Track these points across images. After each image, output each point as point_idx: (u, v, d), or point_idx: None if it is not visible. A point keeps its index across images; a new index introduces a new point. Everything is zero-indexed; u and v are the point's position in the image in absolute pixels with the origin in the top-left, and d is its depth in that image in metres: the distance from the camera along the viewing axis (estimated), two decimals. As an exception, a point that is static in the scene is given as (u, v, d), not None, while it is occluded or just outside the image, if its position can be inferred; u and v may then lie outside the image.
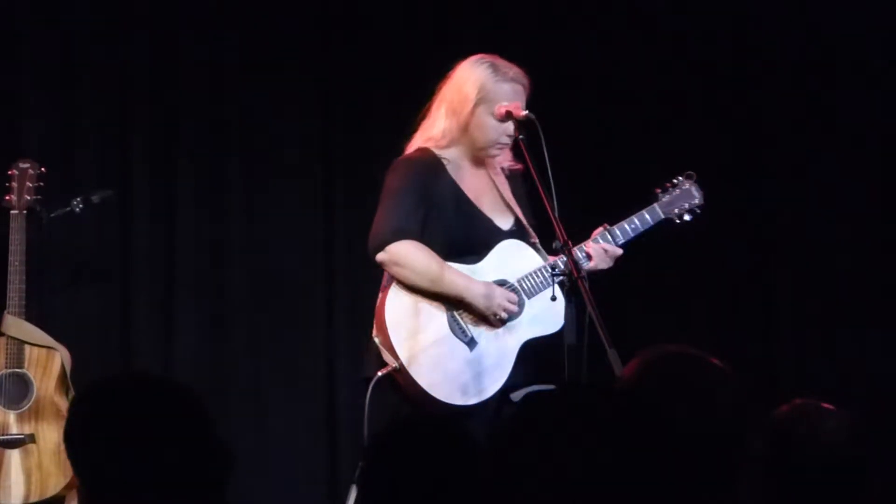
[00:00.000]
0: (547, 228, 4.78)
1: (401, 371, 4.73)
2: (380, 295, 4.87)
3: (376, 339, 4.80)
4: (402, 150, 4.97)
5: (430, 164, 4.88)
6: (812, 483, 3.05)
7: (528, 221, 4.94)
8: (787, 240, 6.58)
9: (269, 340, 6.47)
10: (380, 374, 4.75)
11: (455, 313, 4.80)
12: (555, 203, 4.61)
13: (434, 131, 4.90)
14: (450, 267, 4.79)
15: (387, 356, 4.76)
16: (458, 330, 4.80)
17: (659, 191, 5.09)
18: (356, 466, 4.85)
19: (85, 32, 6.38)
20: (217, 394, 6.23)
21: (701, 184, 5.14)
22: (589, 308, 4.43)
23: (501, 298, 4.78)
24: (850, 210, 6.47)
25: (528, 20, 6.49)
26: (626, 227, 4.96)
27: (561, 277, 4.68)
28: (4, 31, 6.31)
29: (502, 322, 4.81)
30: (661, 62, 6.52)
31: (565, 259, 4.65)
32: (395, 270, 4.79)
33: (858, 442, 3.11)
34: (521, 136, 4.73)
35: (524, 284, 4.85)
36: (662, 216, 5.05)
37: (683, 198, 5.11)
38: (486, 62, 4.87)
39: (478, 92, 4.81)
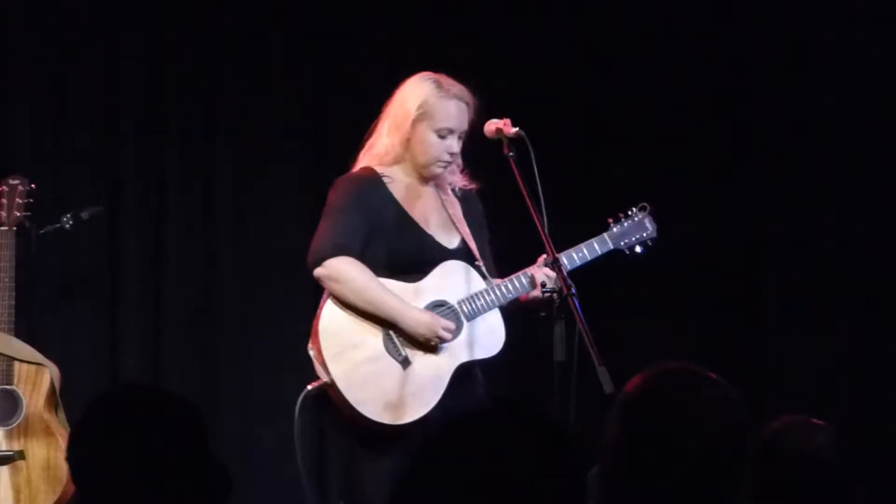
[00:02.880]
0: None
1: (332, 386, 4.71)
2: (318, 309, 4.84)
3: (311, 352, 4.77)
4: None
5: (372, 182, 4.84)
6: (800, 497, 3.07)
7: (477, 243, 4.89)
8: (772, 252, 6.61)
9: (257, 356, 6.47)
10: (309, 387, 4.74)
11: (391, 332, 4.75)
12: (545, 220, 4.61)
13: (378, 148, 4.88)
14: (387, 288, 4.75)
15: (319, 370, 4.74)
16: (392, 349, 4.75)
17: (611, 221, 5.00)
18: (344, 482, 4.87)
19: (75, 49, 6.40)
20: (204, 410, 6.21)
21: (655, 216, 5.04)
22: (579, 325, 4.42)
23: (436, 326, 4.73)
24: (839, 220, 6.51)
25: (509, 35, 6.52)
26: (574, 255, 4.88)
27: (552, 292, 4.66)
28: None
29: (437, 346, 4.76)
30: (637, 77, 6.55)
31: (555, 276, 4.63)
32: (332, 286, 4.77)
33: (846, 457, 3.13)
34: (510, 154, 4.72)
35: (464, 307, 4.79)
36: (612, 247, 4.95)
37: (635, 230, 5.00)
38: (430, 79, 4.84)
39: (419, 107, 4.79)
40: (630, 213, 5.03)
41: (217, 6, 6.53)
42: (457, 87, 4.83)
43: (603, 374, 4.28)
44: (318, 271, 4.79)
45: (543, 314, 4.73)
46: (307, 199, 6.55)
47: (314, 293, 6.48)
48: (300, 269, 6.51)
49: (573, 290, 4.54)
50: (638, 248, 5.01)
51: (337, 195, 4.86)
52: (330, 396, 4.74)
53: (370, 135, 4.92)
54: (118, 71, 6.43)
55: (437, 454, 2.30)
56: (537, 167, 4.65)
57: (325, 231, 4.81)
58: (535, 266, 4.83)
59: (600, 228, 5.00)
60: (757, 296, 6.63)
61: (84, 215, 5.97)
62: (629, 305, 6.49)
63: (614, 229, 4.99)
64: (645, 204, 5.04)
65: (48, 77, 6.36)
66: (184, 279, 6.46)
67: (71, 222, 5.93)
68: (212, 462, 2.67)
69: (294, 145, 6.58)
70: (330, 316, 4.78)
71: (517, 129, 4.75)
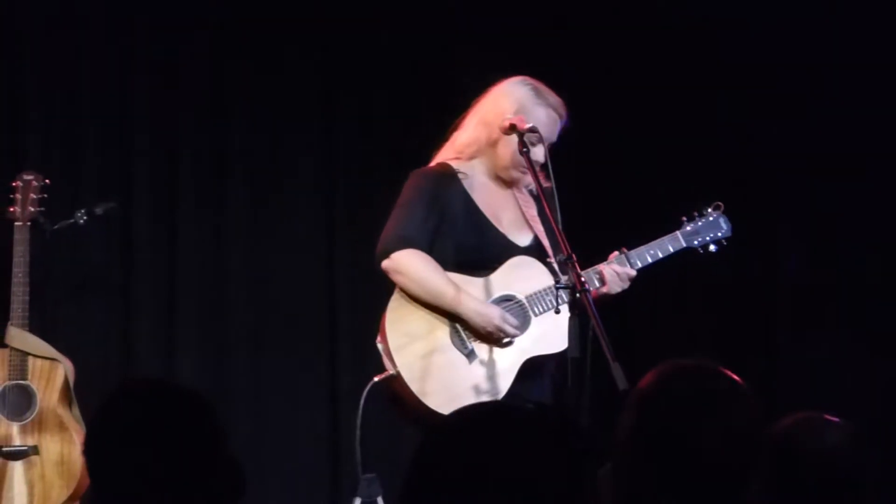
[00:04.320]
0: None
1: (397, 377, 4.71)
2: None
3: (379, 346, 4.78)
4: (413, 165, 4.96)
5: (445, 177, 4.85)
6: (814, 494, 3.06)
7: (550, 241, 4.85)
8: (788, 251, 6.61)
9: (271, 353, 6.48)
10: (376, 379, 4.73)
11: (458, 325, 4.76)
12: (559, 216, 4.60)
13: (461, 140, 4.88)
14: (451, 280, 4.75)
15: (387, 362, 4.74)
16: (458, 341, 4.75)
17: (684, 219, 5.00)
18: (358, 480, 4.86)
19: (88, 45, 6.41)
20: (218, 406, 6.21)
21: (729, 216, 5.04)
22: (593, 321, 4.41)
23: (498, 320, 4.73)
24: (854, 224, 6.49)
25: (541, 36, 6.50)
26: (646, 254, 4.89)
27: (565, 289, 4.64)
28: (8, 44, 6.33)
29: (501, 341, 4.76)
30: (681, 82, 6.53)
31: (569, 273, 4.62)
32: (397, 279, 4.77)
33: (861, 453, 3.12)
34: (525, 150, 4.71)
35: (532, 301, 4.79)
36: (684, 245, 4.96)
37: (709, 228, 5.01)
38: (530, 84, 4.84)
39: (516, 110, 4.77)
40: (705, 211, 5.02)
41: (229, 7, 6.54)
42: (553, 97, 4.83)
43: (617, 370, 4.27)
44: (384, 264, 4.79)
45: (557, 310, 4.73)
46: (321, 193, 6.56)
47: (328, 287, 6.52)
48: (316, 264, 6.56)
49: (587, 287, 4.53)
50: (712, 247, 5.00)
51: (408, 189, 4.87)
52: (395, 389, 4.73)
53: (455, 129, 4.92)
54: (131, 67, 6.44)
55: (436, 453, 2.30)
56: (559, 166, 4.65)
57: (392, 224, 4.82)
58: (604, 263, 4.83)
59: (627, 234, 4.98)
60: (772, 293, 6.62)
61: (98, 211, 5.98)
62: (641, 302, 6.47)
63: (687, 227, 4.99)
64: (719, 203, 5.02)
65: (62, 73, 6.37)
66: (197, 274, 6.46)
67: (85, 218, 5.94)
68: (226, 459, 2.67)
69: (307, 139, 6.59)
70: (396, 308, 4.79)
71: (531, 124, 4.74)
